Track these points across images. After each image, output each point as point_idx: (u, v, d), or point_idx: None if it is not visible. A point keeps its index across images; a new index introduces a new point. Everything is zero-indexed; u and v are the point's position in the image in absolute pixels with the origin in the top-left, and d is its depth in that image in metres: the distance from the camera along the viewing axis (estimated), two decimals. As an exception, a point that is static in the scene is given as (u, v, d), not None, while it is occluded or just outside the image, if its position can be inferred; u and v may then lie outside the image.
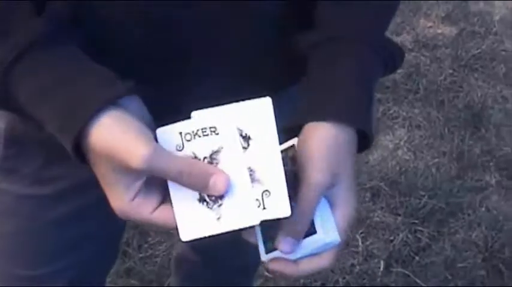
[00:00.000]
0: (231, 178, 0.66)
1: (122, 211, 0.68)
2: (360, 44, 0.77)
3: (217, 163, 0.67)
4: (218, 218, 0.67)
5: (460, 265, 2.06)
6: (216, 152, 0.67)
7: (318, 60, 0.77)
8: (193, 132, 0.67)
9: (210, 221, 0.67)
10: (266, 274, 2.00)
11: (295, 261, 0.72)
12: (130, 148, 0.64)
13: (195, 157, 0.67)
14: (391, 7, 0.86)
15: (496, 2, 3.14)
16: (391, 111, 2.54)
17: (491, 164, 2.38)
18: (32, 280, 1.08)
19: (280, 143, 0.69)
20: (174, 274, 1.70)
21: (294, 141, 0.73)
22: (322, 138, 0.72)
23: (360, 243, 2.09)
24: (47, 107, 0.68)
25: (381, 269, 2.03)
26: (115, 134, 0.65)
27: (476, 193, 2.28)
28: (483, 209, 2.23)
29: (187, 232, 0.67)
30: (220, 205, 0.67)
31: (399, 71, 2.62)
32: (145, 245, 2.08)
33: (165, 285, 1.87)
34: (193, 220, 0.67)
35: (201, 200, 0.67)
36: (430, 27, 2.95)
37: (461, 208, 2.22)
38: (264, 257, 0.73)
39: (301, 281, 2.00)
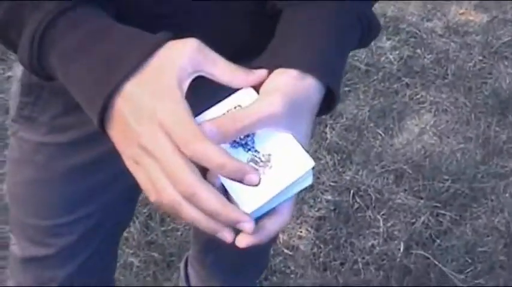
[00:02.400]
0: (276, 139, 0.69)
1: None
2: (337, 4, 0.77)
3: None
4: (272, 178, 0.68)
5: (480, 249, 2.06)
6: None
7: (292, 12, 0.78)
8: None
9: (267, 183, 0.68)
10: (286, 251, 2.02)
11: (256, 224, 0.69)
12: (177, 47, 0.67)
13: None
14: None
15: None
16: (418, 96, 2.53)
17: (516, 151, 2.36)
18: (49, 230, 1.11)
19: None
20: (193, 244, 1.71)
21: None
22: (285, 82, 0.71)
23: (381, 224, 2.10)
24: (84, 61, 0.69)
25: (401, 250, 2.03)
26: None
27: (501, 179, 2.27)
28: (507, 195, 2.22)
29: (249, 203, 0.68)
30: (270, 167, 0.69)
31: (428, 56, 2.63)
32: (168, 219, 2.10)
33: (185, 257, 1.89)
34: (249, 189, 0.67)
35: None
36: (462, 13, 2.93)
37: (484, 193, 2.21)
38: (244, 208, 0.69)
39: (320, 260, 2.01)
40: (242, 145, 0.70)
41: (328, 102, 0.76)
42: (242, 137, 0.70)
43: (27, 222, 1.12)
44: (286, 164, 0.69)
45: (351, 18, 0.79)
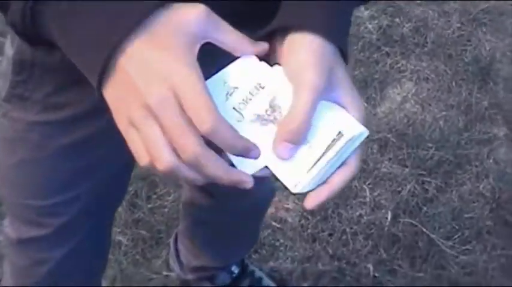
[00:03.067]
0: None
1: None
2: None
3: (279, 109, 0.70)
4: (310, 147, 0.68)
5: (466, 215, 2.07)
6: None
7: None
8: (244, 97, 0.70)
9: (306, 155, 0.68)
10: (274, 223, 2.02)
11: (325, 182, 0.70)
12: (186, 10, 0.65)
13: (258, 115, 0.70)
14: None
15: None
16: (398, 65, 2.53)
17: (498, 117, 2.37)
18: (45, 210, 1.09)
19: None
20: (182, 220, 1.71)
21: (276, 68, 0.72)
22: (311, 49, 0.70)
23: (368, 194, 2.10)
24: (82, 19, 0.65)
25: (388, 219, 2.04)
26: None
27: (484, 145, 2.28)
28: (491, 161, 2.23)
29: (295, 183, 0.69)
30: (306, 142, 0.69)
31: (407, 24, 2.62)
32: (154, 196, 2.09)
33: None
34: (292, 166, 0.68)
35: None
36: (439, -19, 2.92)
37: (468, 159, 2.22)
38: (295, 189, 0.70)
39: (309, 231, 2.01)
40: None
41: None
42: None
43: (22, 203, 1.11)
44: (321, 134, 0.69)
45: None
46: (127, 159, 1.11)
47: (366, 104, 2.36)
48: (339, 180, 0.70)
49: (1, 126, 1.04)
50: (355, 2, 0.81)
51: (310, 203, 0.70)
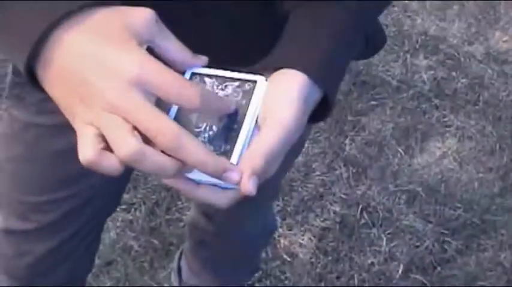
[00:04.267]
0: None
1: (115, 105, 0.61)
2: (342, 10, 0.75)
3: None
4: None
5: (481, 283, 2.03)
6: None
7: (300, 16, 0.75)
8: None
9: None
10: (284, 256, 2.02)
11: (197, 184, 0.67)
12: (134, 11, 0.63)
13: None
14: None
15: None
16: (445, 119, 2.50)
17: (536, 188, 2.32)
18: (35, 205, 1.13)
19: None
20: (187, 239, 1.73)
21: (257, 78, 0.71)
22: (300, 86, 0.69)
23: (384, 243, 2.08)
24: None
25: (399, 272, 2.02)
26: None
27: (514, 214, 2.23)
28: (518, 231, 2.18)
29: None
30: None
31: (462, 79, 2.59)
32: (174, 208, 2.11)
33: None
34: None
35: None
36: (505, 41, 2.88)
37: (495, 226, 2.18)
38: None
39: (317, 270, 2.00)
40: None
41: (322, 110, 0.74)
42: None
43: (13, 196, 1.15)
44: None
45: (355, 27, 0.77)
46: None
47: (403, 154, 2.34)
48: (206, 194, 0.67)
49: (2, 121, 1.10)
50: (352, 54, 0.79)
51: (248, 187, 0.65)
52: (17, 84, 1.02)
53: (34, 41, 0.59)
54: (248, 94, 0.70)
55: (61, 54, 0.60)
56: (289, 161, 1.27)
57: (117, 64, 0.59)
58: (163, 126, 0.59)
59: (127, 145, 0.58)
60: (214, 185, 0.67)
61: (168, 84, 0.60)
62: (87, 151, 0.61)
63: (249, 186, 0.63)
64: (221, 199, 0.67)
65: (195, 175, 0.65)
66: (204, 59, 0.70)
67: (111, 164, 0.60)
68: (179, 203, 2.12)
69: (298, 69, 0.70)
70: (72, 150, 1.04)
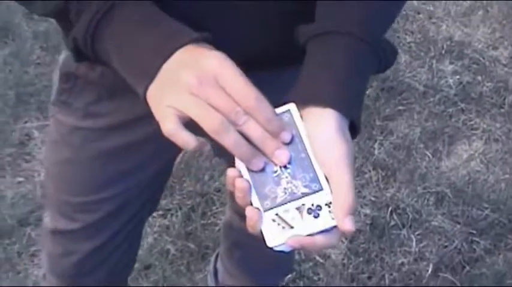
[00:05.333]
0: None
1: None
2: (355, 39, 0.81)
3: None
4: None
5: (509, 281, 2.07)
6: None
7: (318, 50, 0.83)
8: None
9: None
10: (317, 258, 2.08)
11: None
12: (208, 53, 0.76)
13: None
14: (392, 5, 0.90)
15: None
16: (472, 122, 2.55)
17: (562, 188, 2.37)
18: (81, 206, 1.21)
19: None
20: (222, 241, 1.79)
21: (289, 106, 0.78)
22: (337, 123, 0.77)
23: (414, 244, 2.14)
24: (145, 36, 0.79)
25: (429, 272, 2.07)
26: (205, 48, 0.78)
27: (541, 214, 2.28)
28: (545, 231, 2.23)
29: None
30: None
31: (488, 83, 2.64)
32: (209, 213, 2.18)
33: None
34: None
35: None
36: (530, 44, 2.93)
37: (522, 226, 2.23)
38: (271, 243, 0.77)
39: (349, 271, 2.06)
40: None
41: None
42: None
43: (60, 198, 1.23)
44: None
45: (370, 48, 0.83)
46: (160, 168, 1.22)
47: (431, 157, 2.39)
48: (322, 241, 0.76)
49: (50, 127, 1.18)
50: (369, 76, 0.86)
51: (292, 243, 0.77)
52: (64, 90, 1.10)
53: (152, 76, 0.77)
54: (292, 123, 0.78)
55: (169, 64, 0.77)
56: None
57: (196, 61, 0.76)
58: (244, 93, 0.74)
59: (213, 118, 0.73)
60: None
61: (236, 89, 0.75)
62: (169, 124, 0.74)
63: (349, 225, 0.74)
64: (333, 239, 0.76)
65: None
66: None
67: (187, 135, 0.74)
68: (214, 208, 2.19)
69: (334, 109, 0.77)
70: (114, 152, 1.14)
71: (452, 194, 2.28)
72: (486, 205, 2.26)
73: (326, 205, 0.75)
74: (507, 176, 2.37)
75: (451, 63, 2.77)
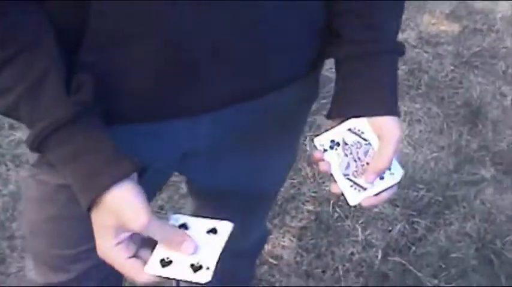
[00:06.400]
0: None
1: (104, 252, 0.91)
2: (390, 54, 1.03)
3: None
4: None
5: (453, 255, 2.18)
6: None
7: (362, 68, 1.02)
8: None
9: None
10: (270, 260, 2.13)
11: (376, 195, 1.02)
12: (136, 214, 0.87)
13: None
14: (401, 8, 1.08)
15: (500, 0, 3.25)
16: (393, 107, 2.64)
17: (487, 158, 2.49)
18: (70, 258, 1.22)
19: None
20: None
21: (360, 120, 1.02)
22: (397, 128, 1.02)
23: (360, 233, 2.22)
24: (72, 171, 0.91)
25: (379, 258, 2.16)
26: (127, 198, 0.88)
27: (472, 186, 2.40)
28: (477, 202, 2.35)
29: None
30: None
31: (402, 67, 2.75)
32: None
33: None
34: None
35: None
36: (434, 24, 3.05)
37: (456, 200, 2.34)
38: (352, 202, 1.02)
39: (303, 268, 2.13)
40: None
41: None
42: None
43: (49, 252, 1.23)
44: None
45: (396, 62, 1.05)
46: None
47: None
48: (385, 196, 1.03)
49: (28, 185, 1.17)
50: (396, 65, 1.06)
51: (365, 202, 1.02)
52: None
53: (99, 192, 0.88)
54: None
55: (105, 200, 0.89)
56: (285, 174, 1.41)
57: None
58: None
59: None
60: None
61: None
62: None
63: (372, 178, 1.02)
64: (392, 191, 1.05)
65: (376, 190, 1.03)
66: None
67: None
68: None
69: (394, 116, 1.02)
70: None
71: (387, 179, 2.37)
72: (420, 186, 2.36)
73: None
74: (435, 154, 2.49)
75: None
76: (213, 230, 0.94)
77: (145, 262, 0.90)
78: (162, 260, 0.90)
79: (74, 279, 1.25)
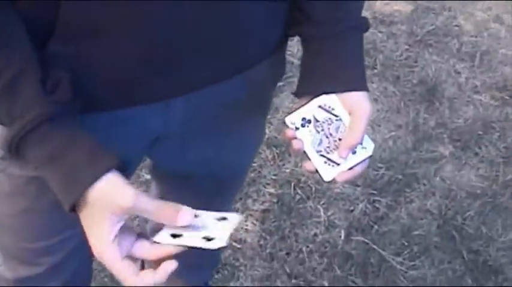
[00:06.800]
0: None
1: (101, 252, 0.86)
2: (356, 30, 1.05)
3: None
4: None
5: (415, 232, 2.20)
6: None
7: (329, 46, 1.03)
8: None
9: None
10: (234, 244, 2.12)
11: (349, 169, 1.03)
12: (121, 192, 0.85)
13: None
14: None
15: (450, -22, 3.27)
16: (350, 87, 2.64)
17: (444, 136, 2.51)
18: (41, 251, 1.20)
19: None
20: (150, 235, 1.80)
21: (330, 97, 1.02)
22: (367, 103, 1.03)
23: (322, 213, 2.22)
24: (52, 171, 0.87)
25: (342, 237, 2.16)
26: (108, 185, 0.85)
27: (431, 163, 2.41)
28: (437, 179, 2.36)
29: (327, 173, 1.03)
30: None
31: (357, 47, 2.74)
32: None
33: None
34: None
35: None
36: (387, 4, 3.06)
37: (416, 178, 2.36)
38: (327, 178, 1.03)
39: (267, 251, 2.12)
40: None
41: None
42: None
43: (19, 246, 1.22)
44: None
45: (359, 26, 1.06)
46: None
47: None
48: (359, 169, 1.04)
49: None
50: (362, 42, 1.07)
51: (339, 178, 1.03)
52: None
53: (80, 193, 0.85)
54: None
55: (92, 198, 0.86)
56: (254, 154, 1.41)
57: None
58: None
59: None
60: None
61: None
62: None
63: (345, 153, 1.03)
64: (365, 165, 1.06)
65: (349, 165, 1.04)
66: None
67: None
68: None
69: (364, 91, 1.04)
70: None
71: (347, 159, 2.37)
72: (380, 165, 2.37)
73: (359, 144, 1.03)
74: (393, 133, 2.50)
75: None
76: (223, 218, 0.92)
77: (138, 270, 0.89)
78: (172, 234, 0.88)
79: (43, 273, 1.22)
